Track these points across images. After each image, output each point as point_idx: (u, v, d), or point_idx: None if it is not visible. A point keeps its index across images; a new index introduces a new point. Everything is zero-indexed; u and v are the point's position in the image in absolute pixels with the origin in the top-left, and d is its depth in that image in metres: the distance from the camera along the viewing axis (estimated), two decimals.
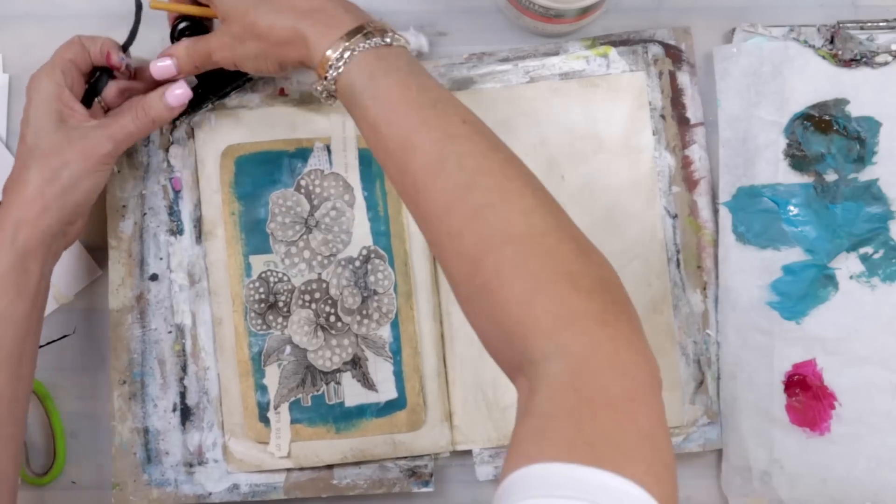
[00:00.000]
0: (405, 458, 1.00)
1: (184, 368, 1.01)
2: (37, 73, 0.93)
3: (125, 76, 0.99)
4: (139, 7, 0.99)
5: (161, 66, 0.95)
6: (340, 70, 0.83)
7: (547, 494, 0.62)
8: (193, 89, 0.98)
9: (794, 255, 1.01)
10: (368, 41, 0.82)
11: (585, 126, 1.02)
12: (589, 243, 0.76)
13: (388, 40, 0.84)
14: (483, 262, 0.73)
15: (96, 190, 0.94)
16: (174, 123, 1.02)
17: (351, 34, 0.83)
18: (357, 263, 1.00)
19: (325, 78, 0.84)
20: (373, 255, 1.00)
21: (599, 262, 0.75)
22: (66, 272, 1.00)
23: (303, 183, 1.01)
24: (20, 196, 0.90)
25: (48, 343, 1.02)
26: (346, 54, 0.82)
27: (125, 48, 0.98)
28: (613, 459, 0.64)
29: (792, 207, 1.01)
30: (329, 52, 0.83)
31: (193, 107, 1.01)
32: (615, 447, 0.65)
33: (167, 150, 1.02)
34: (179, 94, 0.95)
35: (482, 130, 0.80)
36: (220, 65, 0.93)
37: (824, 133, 1.02)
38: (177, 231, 1.01)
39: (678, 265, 1.01)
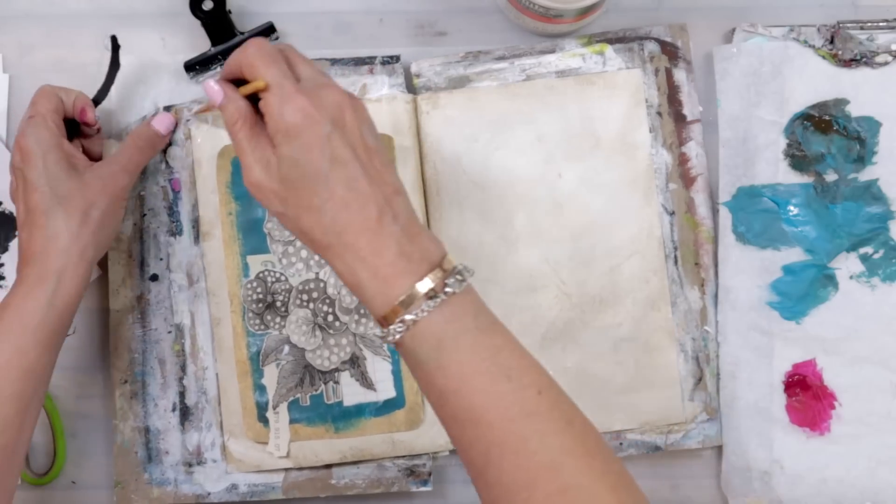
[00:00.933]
0: (404, 457, 1.00)
1: (183, 368, 1.01)
2: (28, 126, 0.93)
3: (94, 132, 1.00)
4: (115, 65, 1.00)
5: (212, 90, 0.82)
6: (402, 335, 0.77)
7: None
8: (209, 58, 1.03)
9: (794, 255, 1.01)
10: (435, 300, 0.76)
11: (582, 123, 1.02)
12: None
13: (450, 290, 0.77)
14: None
15: (118, 227, 0.96)
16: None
17: (413, 292, 0.76)
18: None
19: (384, 334, 0.78)
20: None
21: None
22: None
23: None
24: (56, 245, 0.89)
25: None
26: (409, 317, 0.76)
27: (96, 103, 0.99)
28: None
29: (792, 207, 1.01)
30: (388, 314, 0.77)
31: (204, 67, 1.04)
32: None
33: (165, 152, 1.02)
34: (163, 120, 1.00)
35: (558, 400, 0.77)
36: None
37: (824, 133, 1.02)
38: (176, 231, 1.02)
39: (676, 262, 1.01)
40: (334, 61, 1.02)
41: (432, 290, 0.76)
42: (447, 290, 0.76)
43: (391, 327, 0.76)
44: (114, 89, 1.03)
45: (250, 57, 0.79)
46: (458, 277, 0.77)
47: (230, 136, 0.81)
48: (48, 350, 0.89)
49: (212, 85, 0.82)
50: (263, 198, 0.80)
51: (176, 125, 1.01)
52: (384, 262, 0.77)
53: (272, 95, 0.78)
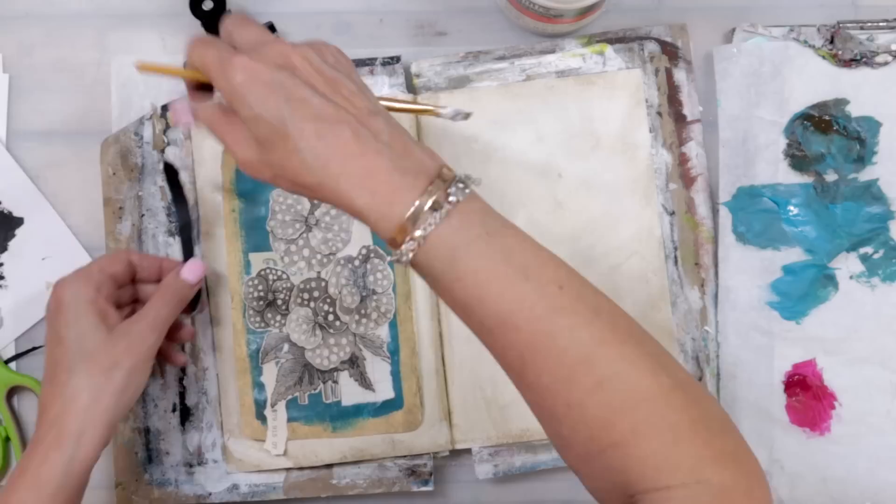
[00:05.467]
0: (404, 457, 1.00)
1: (183, 369, 1.01)
2: (69, 276, 0.91)
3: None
4: (178, 190, 1.01)
5: (180, 112, 0.86)
6: (413, 253, 0.75)
7: None
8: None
9: (794, 255, 1.01)
10: (440, 212, 0.74)
11: (582, 123, 1.02)
12: (700, 385, 0.78)
13: (454, 199, 0.74)
14: (614, 425, 0.73)
15: (141, 389, 0.90)
16: (167, 123, 1.02)
17: (416, 206, 0.74)
18: (356, 263, 1.00)
19: (397, 256, 0.76)
20: (372, 255, 1.00)
21: (716, 402, 0.77)
22: (66, 272, 1.00)
23: None
24: (75, 406, 0.85)
25: None
26: (419, 233, 0.74)
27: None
28: None
29: (792, 207, 1.01)
30: (396, 234, 0.75)
31: None
32: None
33: (163, 152, 1.02)
34: (194, 269, 0.95)
35: (581, 291, 0.76)
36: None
37: (824, 133, 1.02)
38: (175, 232, 1.01)
39: (676, 262, 1.01)
40: None
41: (436, 201, 0.74)
42: (451, 199, 0.74)
43: (402, 247, 0.75)
44: (113, 90, 1.03)
45: (192, 58, 0.80)
46: (461, 186, 0.75)
47: (215, 136, 0.81)
48: None
49: (177, 107, 0.84)
50: (255, 173, 0.80)
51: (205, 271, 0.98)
52: (379, 182, 0.75)
53: (214, 72, 0.78)
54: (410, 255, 0.75)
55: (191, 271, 0.95)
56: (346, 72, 0.80)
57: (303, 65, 0.78)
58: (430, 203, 0.74)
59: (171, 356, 0.98)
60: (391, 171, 0.75)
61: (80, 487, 0.86)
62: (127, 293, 0.96)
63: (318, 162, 0.75)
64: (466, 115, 0.87)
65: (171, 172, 1.00)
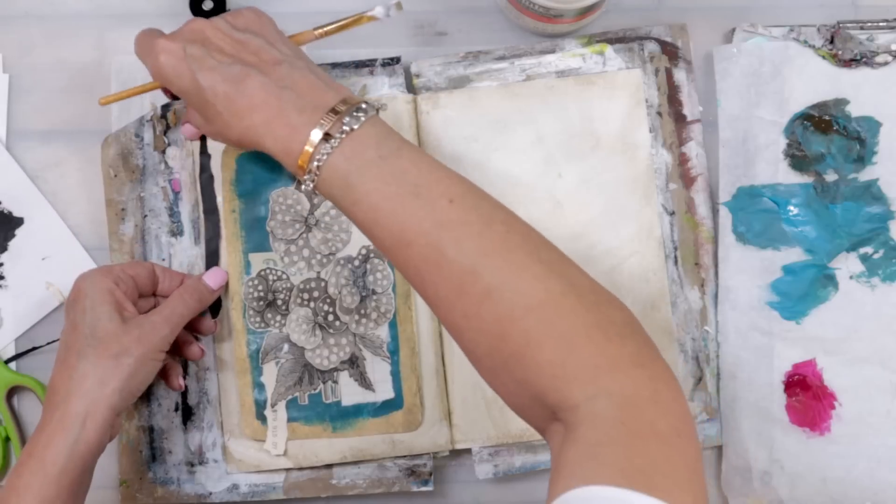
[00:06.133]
0: (404, 457, 1.00)
1: (185, 368, 1.01)
2: (90, 271, 0.93)
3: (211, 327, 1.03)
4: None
5: (187, 131, 1.00)
6: (315, 182, 0.82)
7: None
8: None
9: (794, 255, 1.01)
10: (331, 142, 0.81)
11: (582, 123, 1.02)
12: (604, 291, 0.77)
13: (347, 128, 0.81)
14: (508, 335, 0.74)
15: (148, 381, 0.92)
16: (167, 124, 1.02)
17: (310, 140, 0.82)
18: (356, 263, 1.00)
19: (303, 187, 0.83)
20: (372, 255, 1.00)
21: (619, 307, 0.77)
22: (67, 272, 1.00)
23: None
24: (81, 388, 0.87)
25: (49, 343, 1.02)
26: (314, 165, 0.81)
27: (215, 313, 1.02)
28: (665, 489, 0.66)
29: (792, 207, 1.01)
30: (299, 168, 0.82)
31: None
32: (666, 477, 0.68)
33: (164, 152, 1.02)
34: (216, 276, 0.99)
35: (471, 203, 0.79)
36: None
37: (824, 133, 1.02)
38: (177, 232, 1.02)
39: (676, 262, 1.01)
40: (335, 65, 1.02)
41: (327, 133, 0.81)
42: (344, 128, 0.81)
43: (303, 178, 0.82)
44: (113, 90, 1.03)
45: (136, 52, 0.92)
46: (357, 114, 0.82)
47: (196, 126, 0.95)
48: (73, 497, 0.86)
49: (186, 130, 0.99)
50: (214, 139, 0.94)
51: (227, 280, 1.01)
52: (280, 124, 0.83)
53: (149, 62, 0.89)
54: (311, 185, 0.82)
55: (212, 277, 0.99)
56: (256, 30, 0.89)
57: (213, 34, 0.87)
58: (321, 135, 0.81)
59: (172, 378, 0.99)
60: (290, 112, 0.83)
61: (84, 472, 0.87)
62: (147, 305, 0.97)
63: (234, 118, 0.85)
64: (399, 6, 0.95)
65: (207, 182, 1.01)
